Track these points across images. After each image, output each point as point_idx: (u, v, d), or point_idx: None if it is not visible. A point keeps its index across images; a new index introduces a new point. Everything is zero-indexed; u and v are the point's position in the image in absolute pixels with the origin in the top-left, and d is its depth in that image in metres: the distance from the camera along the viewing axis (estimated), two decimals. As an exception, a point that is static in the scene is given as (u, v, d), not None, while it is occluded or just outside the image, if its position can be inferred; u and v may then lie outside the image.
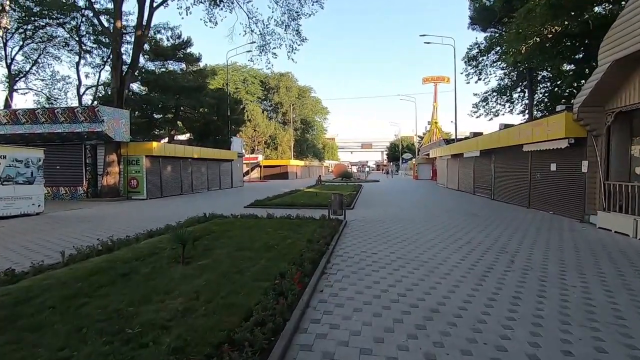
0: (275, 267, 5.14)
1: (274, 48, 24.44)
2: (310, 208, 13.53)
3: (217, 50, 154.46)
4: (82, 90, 25.92)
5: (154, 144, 19.06)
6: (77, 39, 24.92)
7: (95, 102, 28.42)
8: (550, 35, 14.28)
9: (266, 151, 57.65)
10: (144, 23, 19.45)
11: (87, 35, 27.77)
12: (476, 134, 21.23)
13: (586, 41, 16.95)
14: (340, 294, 4.46)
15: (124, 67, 20.42)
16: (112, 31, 18.97)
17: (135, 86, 33.83)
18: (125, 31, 25.57)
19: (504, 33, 15.06)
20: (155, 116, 36.21)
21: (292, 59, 23.56)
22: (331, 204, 10.36)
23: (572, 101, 10.42)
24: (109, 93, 32.14)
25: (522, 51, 13.94)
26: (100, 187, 18.61)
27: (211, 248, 6.40)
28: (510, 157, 15.11)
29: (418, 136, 74.99)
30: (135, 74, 32.57)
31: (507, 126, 16.30)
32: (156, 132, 36.05)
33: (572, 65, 23.11)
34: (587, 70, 18.13)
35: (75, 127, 17.17)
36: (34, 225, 10.40)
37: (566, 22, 13.38)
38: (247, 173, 46.41)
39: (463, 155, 21.30)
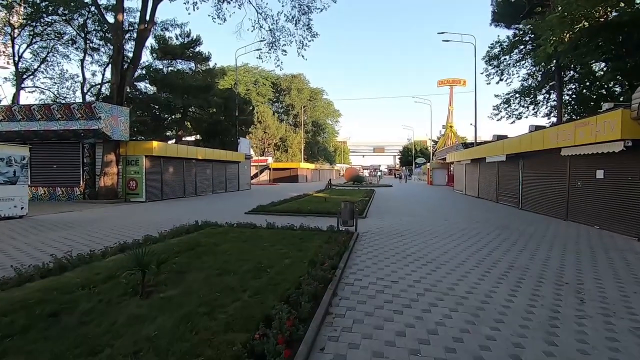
0: (261, 305, 3.77)
1: (284, 45, 23.37)
2: (318, 216, 12.16)
3: (226, 51, 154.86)
4: (86, 88, 25.22)
5: (154, 143, 18.00)
6: (83, 35, 24.27)
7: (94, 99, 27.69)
8: (602, 20, 12.52)
9: (276, 154, 56.61)
10: (147, 17, 18.49)
11: (95, 32, 27.14)
12: (500, 137, 19.53)
13: (627, 32, 15.15)
14: (350, 356, 3.05)
15: (126, 63, 19.50)
16: (113, 24, 18.04)
17: (142, 85, 33.21)
18: (131, 28, 24.85)
19: (539, 21, 13.30)
20: (165, 116, 35.56)
21: (302, 56, 22.56)
22: (341, 213, 8.96)
23: (633, 96, 8.78)
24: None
25: (566, 39, 12.22)
26: (98, 188, 17.62)
27: (187, 270, 5.07)
28: (544, 162, 13.45)
29: (432, 140, 72.92)
30: (143, 72, 32.23)
31: (538, 128, 14.64)
32: (166, 134, 35.41)
33: (605, 63, 21.21)
34: (629, 65, 16.27)
35: (72, 125, 16.21)
36: (9, 230, 9.30)
37: (622, 4, 11.53)
38: (255, 175, 45.37)
39: (485, 160, 19.62)
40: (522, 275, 5.51)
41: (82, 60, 25.17)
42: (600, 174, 10.09)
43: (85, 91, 24.69)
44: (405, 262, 6.17)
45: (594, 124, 9.49)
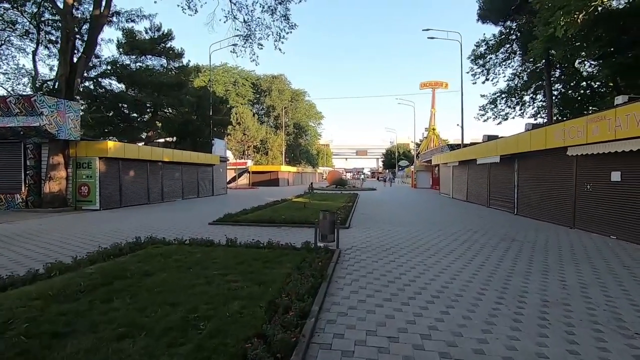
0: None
1: (260, 39, 21.56)
2: (294, 226, 10.43)
3: (202, 50, 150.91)
4: (39, 83, 22.69)
5: (110, 143, 15.85)
6: (35, 24, 21.81)
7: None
8: (605, 9, 11.43)
9: (256, 156, 54.52)
10: (103, 1, 16.38)
11: (52, 22, 24.56)
12: (491, 137, 18.36)
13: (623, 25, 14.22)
14: None
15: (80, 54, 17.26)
16: (62, 9, 15.83)
17: (109, 82, 30.63)
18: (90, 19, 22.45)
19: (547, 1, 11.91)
20: (134, 116, 33.08)
21: (280, 49, 20.36)
22: (319, 225, 7.28)
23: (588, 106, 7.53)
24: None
25: (579, 19, 10.91)
26: (43, 195, 15.32)
27: (66, 333, 3.24)
28: (545, 163, 12.19)
29: (415, 143, 72.45)
30: (109, 67, 29.73)
31: (535, 126, 13.43)
32: (141, 135, 32.90)
33: (598, 61, 20.44)
34: (622, 62, 15.38)
35: (9, 121, 13.92)
36: None
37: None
38: (233, 179, 43.22)
39: (476, 162, 18.39)
40: (567, 318, 3.95)
41: (35, 53, 22.59)
42: (616, 175, 8.81)
43: (37, 86, 22.21)
44: (404, 299, 4.52)
45: (612, 118, 8.17)
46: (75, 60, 16.40)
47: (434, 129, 67.29)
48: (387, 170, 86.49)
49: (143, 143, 30.13)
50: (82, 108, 30.79)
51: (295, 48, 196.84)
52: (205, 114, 28.47)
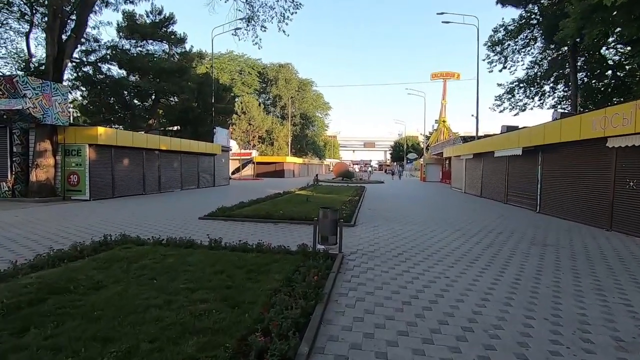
0: None
1: (264, 20, 20.27)
2: (293, 223, 9.33)
3: (206, 38, 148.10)
4: (33, 66, 21.77)
5: (100, 129, 14.85)
6: (28, 3, 20.80)
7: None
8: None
9: (261, 147, 53.45)
10: (95, -24, 15.24)
11: (46, 2, 23.51)
12: (511, 128, 16.95)
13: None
14: None
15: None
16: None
17: (113, 68, 29.60)
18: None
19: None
20: (136, 103, 32.14)
21: (284, 31, 19.02)
22: (318, 225, 6.15)
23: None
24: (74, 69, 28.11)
25: None
26: (30, 183, 14.43)
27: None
28: (576, 155, 10.86)
29: (425, 135, 70.59)
30: (109, 52, 28.68)
31: (565, 115, 12.06)
32: (142, 124, 31.93)
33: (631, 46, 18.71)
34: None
35: (-9, 104, 12.98)
36: None
37: None
38: (237, 170, 42.28)
39: (493, 155, 17.02)
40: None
41: (28, 34, 21.59)
42: (669, 171, 7.49)
43: (32, 69, 21.29)
44: (424, 331, 3.37)
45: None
46: (64, 40, 15.33)
47: (444, 121, 65.41)
48: (394, 163, 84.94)
49: (144, 131, 29.21)
50: (83, 95, 30.28)
51: (302, 38, 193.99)
52: (207, 101, 27.33)
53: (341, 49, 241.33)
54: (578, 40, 17.87)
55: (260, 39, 19.82)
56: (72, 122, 21.23)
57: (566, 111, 25.91)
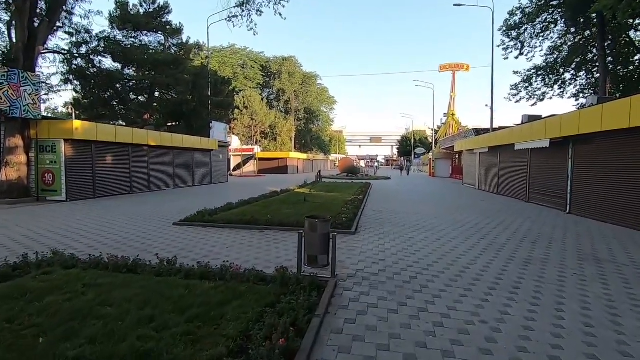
0: None
1: (260, 5, 18.73)
2: (282, 229, 7.82)
3: (203, 31, 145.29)
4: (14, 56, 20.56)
5: (77, 123, 13.47)
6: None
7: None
8: None
9: (264, 142, 51.99)
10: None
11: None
12: (533, 118, 15.18)
13: None
14: None
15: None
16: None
17: (106, 61, 28.28)
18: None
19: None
20: (132, 97, 30.85)
21: (280, 14, 17.43)
22: (304, 242, 4.62)
23: None
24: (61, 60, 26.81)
25: None
26: (0, 183, 13.14)
27: None
28: (619, 147, 9.14)
29: (433, 130, 68.41)
30: (101, 44, 27.33)
31: (604, 100, 10.32)
32: (135, 118, 30.64)
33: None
34: None
35: (-48, 96, 11.65)
36: None
37: None
38: (238, 166, 40.92)
39: (513, 147, 15.26)
40: None
41: (10, 23, 20.30)
42: None
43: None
44: None
45: None
46: (36, 25, 13.93)
47: (453, 114, 63.25)
48: (402, 158, 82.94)
49: (140, 126, 27.88)
50: (77, 89, 29.00)
51: (305, 32, 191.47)
52: (202, 94, 25.85)
53: (345, 42, 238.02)
54: (611, 18, 15.99)
55: (255, 24, 18.38)
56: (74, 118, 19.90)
57: (581, 103, 23.98)
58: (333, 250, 4.66)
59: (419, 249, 6.38)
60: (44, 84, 23.34)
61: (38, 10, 14.12)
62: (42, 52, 22.66)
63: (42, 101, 13.75)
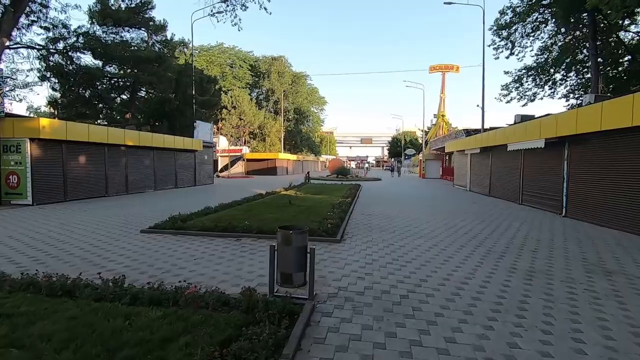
0: None
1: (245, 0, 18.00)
2: (260, 237, 7.10)
3: (187, 29, 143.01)
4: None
5: (44, 121, 12.53)
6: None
7: None
8: None
9: (253, 143, 51.08)
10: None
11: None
12: (526, 117, 14.78)
13: None
14: None
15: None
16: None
17: (86, 57, 27.10)
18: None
19: None
20: (113, 95, 29.70)
21: (265, 9, 16.75)
22: (276, 257, 3.93)
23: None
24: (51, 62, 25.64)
25: None
26: (-41, 185, 12.12)
27: None
28: (620, 147, 8.68)
29: (423, 131, 68.32)
30: (80, 40, 26.17)
31: (602, 98, 9.89)
32: (116, 117, 29.50)
33: None
34: None
35: None
36: None
37: None
38: (226, 167, 39.97)
39: (506, 148, 14.82)
40: None
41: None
42: None
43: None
44: None
45: None
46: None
47: (443, 116, 63.23)
48: (392, 159, 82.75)
49: (121, 126, 26.80)
50: (54, 87, 27.72)
51: (295, 32, 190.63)
52: (186, 92, 24.91)
53: (335, 42, 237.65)
54: (602, 17, 15.71)
55: (240, 20, 17.73)
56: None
57: (572, 103, 23.81)
58: (311, 267, 3.97)
59: (411, 260, 5.74)
60: (9, 79, 22.15)
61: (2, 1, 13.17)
62: (11, 46, 21.61)
63: (5, 96, 12.72)
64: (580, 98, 22.32)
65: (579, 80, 23.36)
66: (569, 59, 23.17)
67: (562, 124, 10.57)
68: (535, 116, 14.66)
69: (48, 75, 26.32)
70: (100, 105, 29.40)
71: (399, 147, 78.19)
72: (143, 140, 17.85)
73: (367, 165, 65.25)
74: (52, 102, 27.47)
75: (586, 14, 18.87)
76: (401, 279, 4.79)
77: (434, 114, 68.47)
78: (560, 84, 23.93)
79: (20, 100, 26.70)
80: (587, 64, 22.75)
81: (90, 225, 8.65)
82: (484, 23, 22.38)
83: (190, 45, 31.42)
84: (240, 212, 9.86)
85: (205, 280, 4.59)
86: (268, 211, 10.25)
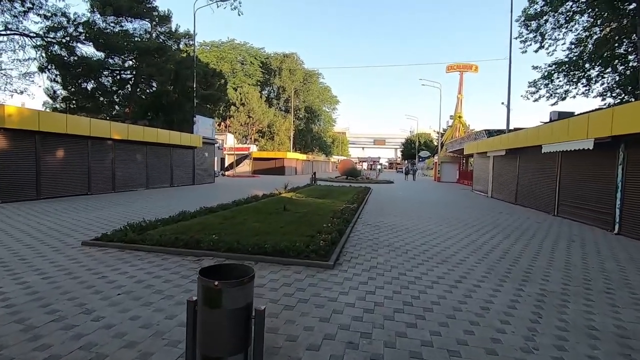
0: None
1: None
2: (230, 258, 5.37)
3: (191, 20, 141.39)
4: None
5: (10, 109, 11.12)
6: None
7: None
8: None
9: (261, 141, 49.65)
10: None
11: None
12: (564, 115, 12.69)
13: None
14: None
15: None
16: None
17: (79, 46, 26.00)
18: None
19: None
20: (114, 89, 28.59)
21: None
22: (198, 326, 2.18)
23: None
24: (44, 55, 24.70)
25: None
26: None
27: None
28: None
29: (439, 133, 65.69)
30: (80, 29, 25.09)
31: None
32: (119, 111, 28.40)
33: None
34: None
35: None
36: None
37: None
38: (231, 166, 38.58)
39: (540, 150, 12.73)
40: None
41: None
42: None
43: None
44: None
45: None
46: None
47: (460, 117, 60.72)
48: (406, 161, 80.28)
49: (121, 120, 25.60)
50: (56, 78, 26.74)
51: (308, 30, 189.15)
52: (186, 85, 23.47)
53: (347, 38, 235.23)
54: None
55: (240, 3, 15.98)
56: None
57: (608, 103, 21.39)
58: (259, 340, 2.21)
59: (431, 306, 3.90)
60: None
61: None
62: (2, 33, 20.55)
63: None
64: (622, 96, 19.92)
65: (619, 77, 20.89)
66: (606, 54, 20.78)
67: (620, 120, 8.52)
68: (575, 113, 12.56)
69: (48, 66, 25.36)
70: (102, 98, 28.36)
71: (413, 149, 75.82)
72: (133, 134, 16.41)
73: (379, 167, 63.12)
74: (49, 94, 26.49)
75: (634, 3, 16.61)
76: (416, 347, 2.97)
77: (450, 115, 65.90)
78: (596, 81, 21.51)
79: (21, 93, 25.76)
80: (627, 59, 20.35)
81: (33, 231, 7.08)
82: (511, 11, 20.28)
83: (194, 36, 30.10)
84: (219, 220, 8.16)
85: (105, 341, 2.87)
86: (254, 219, 8.54)
